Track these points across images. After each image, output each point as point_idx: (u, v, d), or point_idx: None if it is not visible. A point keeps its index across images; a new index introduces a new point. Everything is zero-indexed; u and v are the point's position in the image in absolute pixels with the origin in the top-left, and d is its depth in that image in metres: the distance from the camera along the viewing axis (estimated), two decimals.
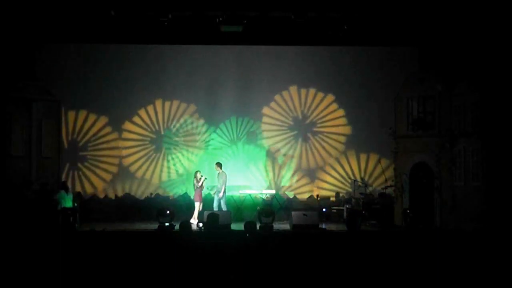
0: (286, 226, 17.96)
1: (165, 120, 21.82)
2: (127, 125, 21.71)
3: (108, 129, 21.65)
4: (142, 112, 21.77)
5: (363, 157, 21.74)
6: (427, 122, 18.74)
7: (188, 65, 21.54)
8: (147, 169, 21.66)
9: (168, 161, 21.66)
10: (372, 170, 21.60)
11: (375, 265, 12.10)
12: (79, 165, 21.45)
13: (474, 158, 17.60)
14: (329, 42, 20.11)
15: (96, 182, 21.44)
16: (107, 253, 12.15)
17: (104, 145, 21.66)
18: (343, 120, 22.00)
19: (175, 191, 21.41)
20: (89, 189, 21.31)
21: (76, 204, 17.98)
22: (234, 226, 16.71)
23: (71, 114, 21.42)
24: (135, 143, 21.76)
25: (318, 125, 22.05)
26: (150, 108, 21.79)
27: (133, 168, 21.62)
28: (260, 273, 10.96)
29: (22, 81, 19.21)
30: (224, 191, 19.04)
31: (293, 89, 22.04)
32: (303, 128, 22.02)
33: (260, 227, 16.34)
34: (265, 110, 22.00)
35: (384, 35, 19.75)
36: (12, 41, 18.94)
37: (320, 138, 22.05)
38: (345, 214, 19.25)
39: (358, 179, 21.14)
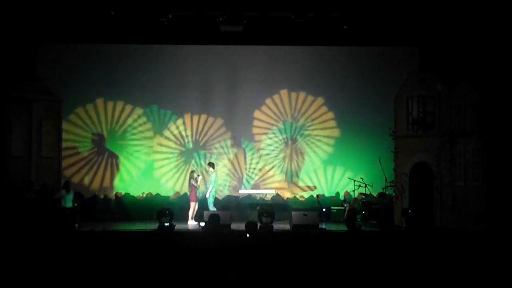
0: (286, 226, 17.95)
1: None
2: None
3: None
4: (138, 111, 21.76)
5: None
6: (427, 122, 18.71)
7: (180, 66, 21.45)
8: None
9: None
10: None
11: (375, 265, 12.12)
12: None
13: (474, 158, 17.58)
14: (329, 42, 20.11)
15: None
16: (107, 253, 12.17)
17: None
18: (332, 123, 21.91)
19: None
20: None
21: (76, 204, 17.98)
22: (234, 226, 16.76)
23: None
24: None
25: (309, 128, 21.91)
26: (147, 107, 21.79)
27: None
28: (260, 273, 10.97)
29: (22, 81, 19.19)
30: (212, 191, 18.96)
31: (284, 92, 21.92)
32: (293, 132, 21.83)
33: (260, 227, 16.35)
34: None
35: (384, 35, 19.76)
36: (12, 40, 18.95)
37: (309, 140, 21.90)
38: (345, 213, 19.28)
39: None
